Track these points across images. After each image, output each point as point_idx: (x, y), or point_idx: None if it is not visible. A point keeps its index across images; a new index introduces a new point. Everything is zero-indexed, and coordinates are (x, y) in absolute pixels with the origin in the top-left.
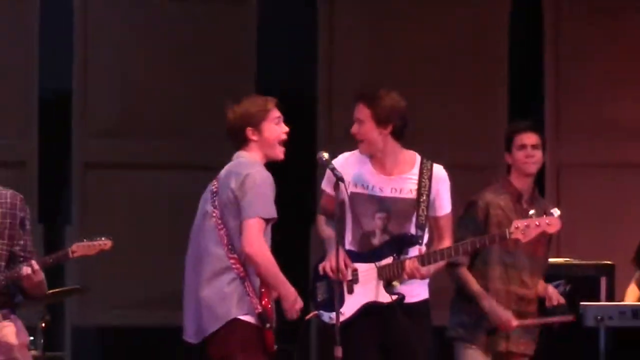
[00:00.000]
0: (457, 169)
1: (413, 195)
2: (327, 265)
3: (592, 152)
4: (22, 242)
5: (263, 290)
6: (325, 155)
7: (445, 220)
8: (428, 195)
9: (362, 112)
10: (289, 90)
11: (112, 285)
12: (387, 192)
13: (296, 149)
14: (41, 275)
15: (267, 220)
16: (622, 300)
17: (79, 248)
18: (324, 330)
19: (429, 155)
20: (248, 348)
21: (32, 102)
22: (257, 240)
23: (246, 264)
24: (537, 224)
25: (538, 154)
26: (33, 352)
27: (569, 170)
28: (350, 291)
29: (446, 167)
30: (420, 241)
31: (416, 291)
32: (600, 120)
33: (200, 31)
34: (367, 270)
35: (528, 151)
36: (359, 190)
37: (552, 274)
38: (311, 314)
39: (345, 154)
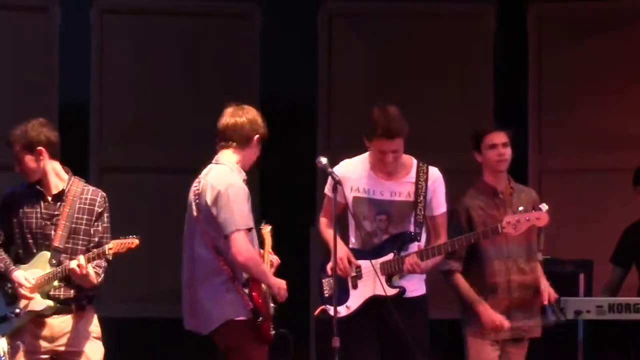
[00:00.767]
0: (450, 174)
1: (411, 197)
2: (333, 264)
3: (572, 158)
4: (95, 239)
5: (252, 285)
6: (324, 160)
7: (442, 219)
8: (425, 197)
9: (399, 143)
10: (291, 99)
11: (125, 280)
12: (387, 196)
13: (297, 155)
14: (86, 269)
15: (247, 229)
16: (600, 294)
17: (115, 245)
18: (329, 324)
19: (422, 158)
20: (247, 341)
21: (52, 110)
22: (245, 250)
23: (233, 265)
24: (527, 218)
25: (508, 151)
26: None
27: (549, 176)
28: (355, 286)
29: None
30: (418, 238)
31: (414, 286)
32: (580, 129)
33: (208, 44)
34: (369, 267)
35: (499, 150)
36: (360, 194)
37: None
38: (319, 309)
39: (347, 161)
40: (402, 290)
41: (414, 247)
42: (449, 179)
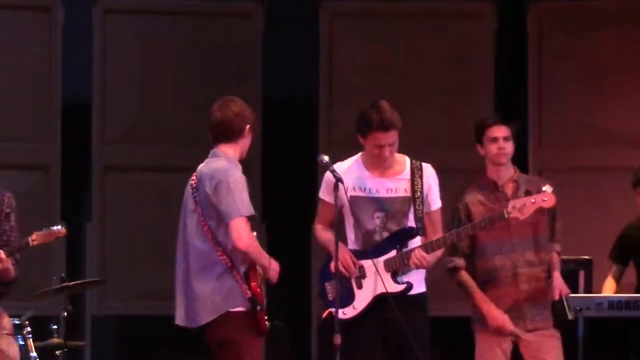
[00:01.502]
0: (451, 172)
1: (408, 193)
2: (336, 264)
3: (572, 156)
4: (4, 238)
5: (250, 274)
6: (326, 158)
7: (437, 215)
8: (421, 192)
9: (394, 135)
10: (292, 98)
11: (129, 278)
12: (384, 193)
13: (299, 151)
14: (7, 263)
15: (247, 217)
16: (599, 292)
17: (38, 236)
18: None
19: (423, 157)
20: (241, 334)
21: (55, 110)
22: (245, 236)
23: (232, 255)
24: (533, 200)
25: (509, 145)
26: (55, 340)
27: (549, 173)
28: (360, 286)
29: (438, 169)
30: (421, 232)
31: (415, 284)
32: (580, 127)
33: (210, 44)
34: (373, 265)
35: (500, 143)
36: (357, 193)
37: None
38: (325, 313)
39: (339, 163)
40: (409, 286)
41: (415, 242)
42: (450, 177)
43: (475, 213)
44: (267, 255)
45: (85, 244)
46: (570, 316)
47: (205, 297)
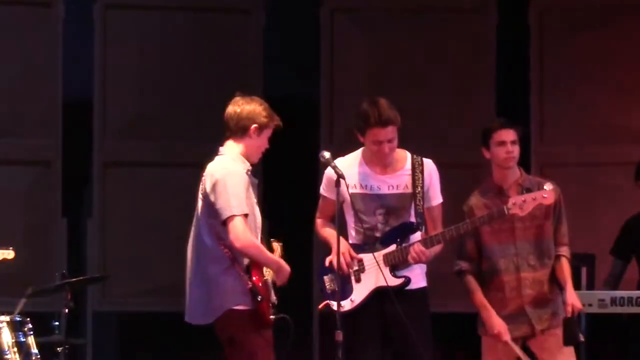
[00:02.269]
0: (452, 168)
1: (409, 189)
2: (334, 258)
3: (574, 151)
4: None
5: (253, 268)
6: (327, 154)
7: (438, 210)
8: (422, 187)
9: (393, 131)
10: (293, 94)
11: (130, 273)
12: (385, 190)
13: (300, 149)
14: None
15: (243, 215)
16: (601, 288)
17: None
18: (333, 318)
19: (424, 154)
20: (248, 330)
21: (56, 106)
22: (242, 236)
23: (232, 250)
24: (533, 197)
25: (516, 149)
26: (57, 337)
27: (552, 169)
28: (358, 280)
29: (439, 165)
30: (421, 227)
31: (415, 279)
32: (582, 122)
33: (211, 40)
34: (372, 259)
35: (507, 147)
36: (359, 190)
37: None
38: (322, 304)
39: (342, 158)
40: (407, 280)
41: (416, 237)
42: (451, 173)
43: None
44: (272, 258)
45: (87, 240)
46: (582, 338)
47: (209, 295)
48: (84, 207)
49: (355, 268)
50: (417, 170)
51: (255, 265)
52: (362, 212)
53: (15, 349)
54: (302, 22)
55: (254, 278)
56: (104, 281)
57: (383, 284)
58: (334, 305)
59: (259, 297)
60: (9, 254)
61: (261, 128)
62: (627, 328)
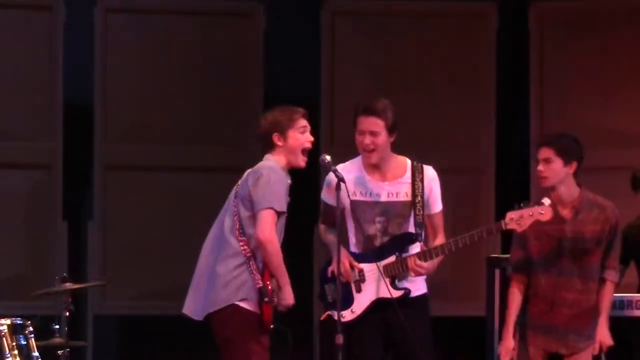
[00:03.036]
0: (452, 172)
1: (408, 197)
2: (335, 267)
3: None
4: None
5: (266, 270)
6: (328, 157)
7: (439, 218)
8: (422, 196)
9: (375, 124)
10: (294, 97)
11: (131, 277)
12: (384, 197)
13: None
14: None
15: (278, 213)
16: None
17: None
18: (333, 325)
19: (425, 157)
20: (245, 331)
21: (57, 110)
22: (268, 229)
23: (254, 249)
24: (530, 213)
25: (547, 168)
26: (57, 340)
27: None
28: (359, 290)
29: (439, 169)
30: (420, 238)
31: (415, 286)
32: (582, 127)
33: (212, 43)
34: (372, 270)
35: (539, 167)
36: (358, 197)
37: None
38: (324, 315)
39: (342, 164)
40: (407, 292)
41: (415, 247)
42: (452, 177)
43: (529, 233)
44: (284, 269)
45: (87, 243)
46: None
47: (218, 285)
48: (85, 210)
49: (356, 278)
50: (416, 178)
51: (269, 269)
52: (361, 220)
53: (16, 352)
54: (303, 25)
55: (265, 278)
56: (104, 287)
57: (383, 295)
58: (334, 315)
59: (266, 298)
60: None
61: (283, 132)
62: (628, 332)
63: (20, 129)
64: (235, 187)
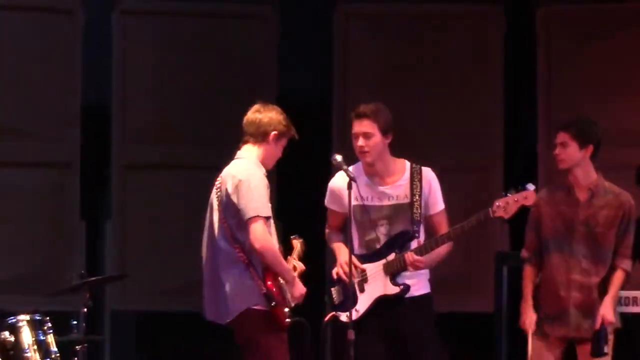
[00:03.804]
0: (460, 172)
1: (408, 199)
2: (339, 270)
3: None
4: None
5: (266, 273)
6: (339, 157)
7: (440, 217)
8: (420, 196)
9: (369, 126)
10: (307, 99)
11: (149, 274)
12: (385, 201)
13: (313, 153)
14: None
15: (265, 218)
16: None
17: None
18: (340, 329)
19: (434, 157)
20: (264, 330)
21: (76, 110)
22: (262, 237)
23: (249, 254)
24: (516, 199)
25: (564, 151)
26: (75, 336)
27: (558, 175)
28: (362, 290)
29: (448, 169)
30: (417, 235)
31: (418, 285)
32: None
33: (227, 46)
34: (374, 269)
35: (556, 150)
36: (359, 202)
37: None
38: (329, 316)
39: (342, 172)
40: (406, 288)
41: (414, 244)
42: (460, 176)
43: (544, 214)
44: (288, 268)
45: (105, 241)
46: (606, 349)
47: (227, 296)
48: (103, 209)
49: (359, 278)
50: (415, 179)
51: (270, 270)
52: (364, 224)
53: (35, 347)
54: (316, 28)
55: (268, 283)
56: (122, 280)
57: (384, 292)
58: (340, 316)
59: (273, 302)
60: None
61: (280, 136)
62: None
63: (40, 129)
64: (215, 190)
